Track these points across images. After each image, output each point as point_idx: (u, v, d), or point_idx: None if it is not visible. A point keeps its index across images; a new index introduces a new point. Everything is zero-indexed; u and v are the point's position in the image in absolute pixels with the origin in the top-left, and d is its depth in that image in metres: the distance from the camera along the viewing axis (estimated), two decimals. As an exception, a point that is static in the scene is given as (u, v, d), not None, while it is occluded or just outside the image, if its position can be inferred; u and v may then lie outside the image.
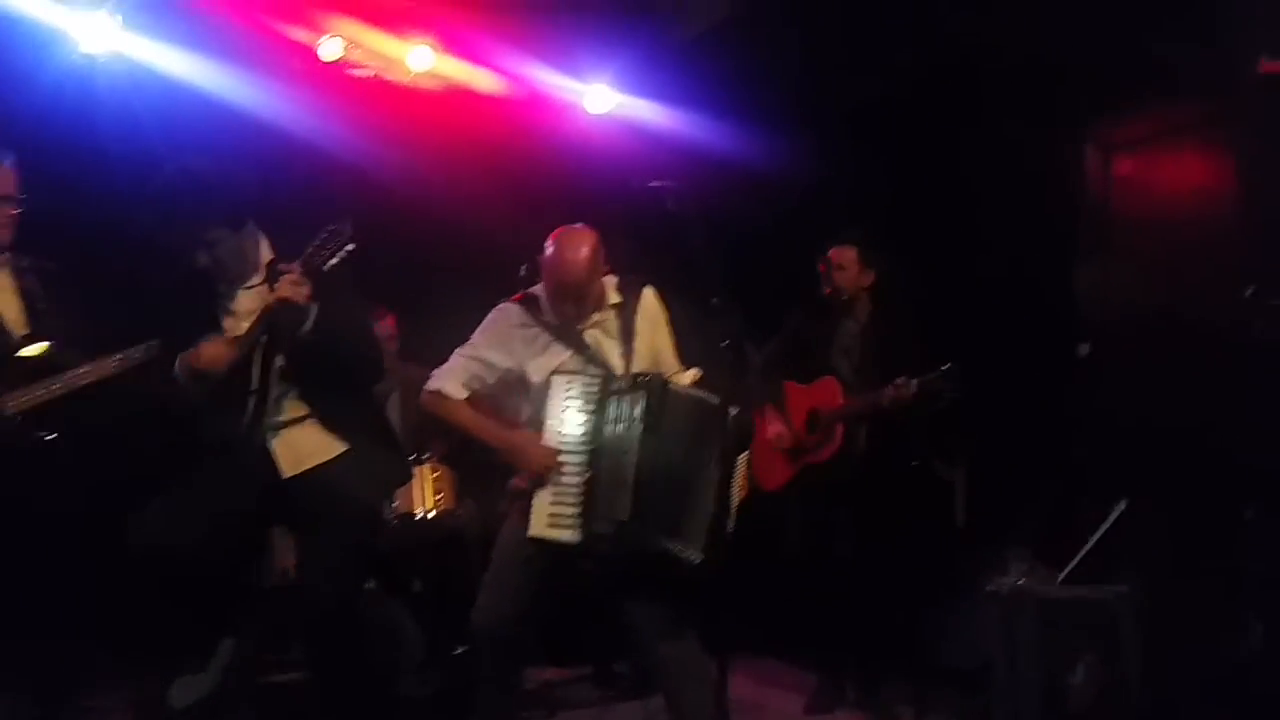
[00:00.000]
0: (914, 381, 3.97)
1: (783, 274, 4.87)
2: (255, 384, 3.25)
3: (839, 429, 4.23)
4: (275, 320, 3.19)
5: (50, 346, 3.40)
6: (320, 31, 4.83)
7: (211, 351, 3.23)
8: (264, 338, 3.24)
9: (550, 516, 3.22)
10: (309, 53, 4.86)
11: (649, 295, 3.53)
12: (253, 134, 4.60)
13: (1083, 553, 3.58)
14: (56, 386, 3.35)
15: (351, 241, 3.11)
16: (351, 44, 4.90)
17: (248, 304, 3.31)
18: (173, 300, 3.37)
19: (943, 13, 4.46)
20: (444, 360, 3.45)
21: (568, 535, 3.21)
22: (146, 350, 3.35)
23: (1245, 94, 3.91)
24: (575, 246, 3.34)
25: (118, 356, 3.36)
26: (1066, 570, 3.60)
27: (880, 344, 4.28)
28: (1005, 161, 4.51)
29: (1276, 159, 3.86)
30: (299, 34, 4.82)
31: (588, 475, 3.23)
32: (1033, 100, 4.39)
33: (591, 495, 3.22)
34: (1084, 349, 4.32)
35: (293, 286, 3.11)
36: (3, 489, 3.29)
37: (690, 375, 3.52)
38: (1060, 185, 4.49)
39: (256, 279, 3.32)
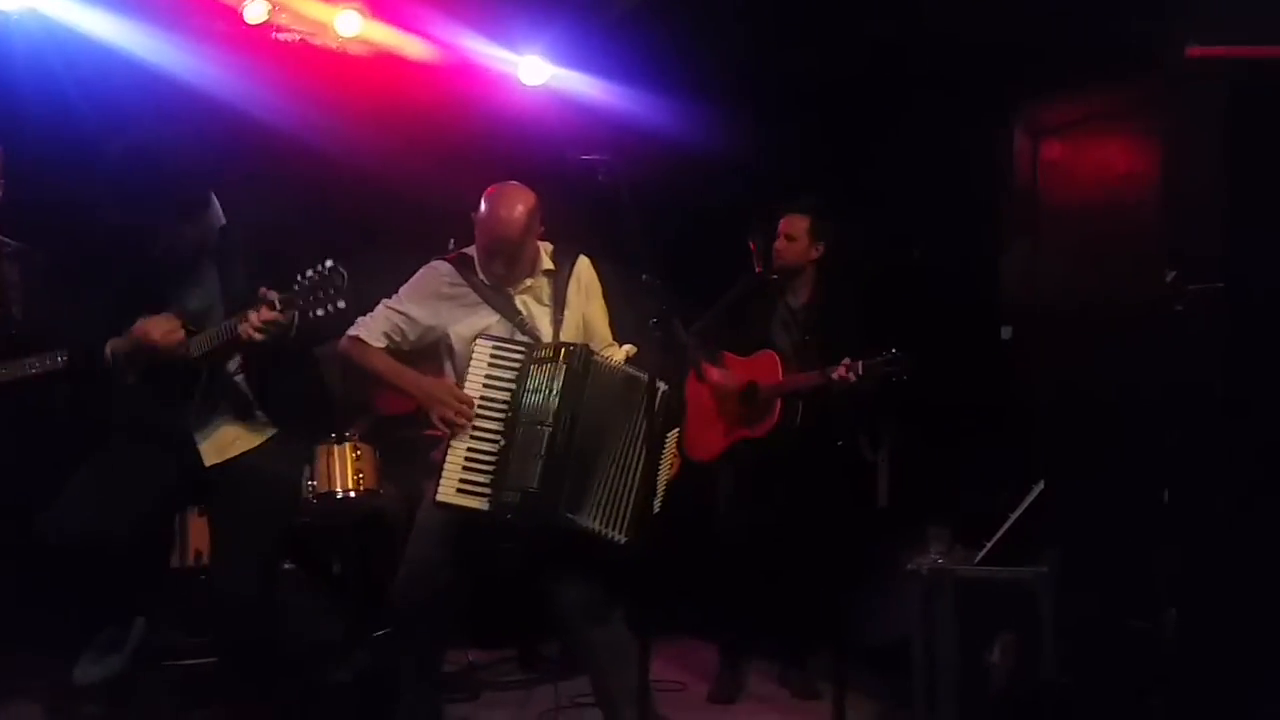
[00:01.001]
0: (860, 363, 3.96)
1: (713, 249, 4.85)
2: (201, 387, 3.15)
3: (778, 404, 4.19)
4: (238, 347, 3.07)
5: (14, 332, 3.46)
6: (245, -7, 4.71)
7: (164, 330, 3.05)
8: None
9: (461, 483, 3.16)
10: (234, 14, 4.72)
11: (585, 265, 3.48)
12: (175, 96, 4.47)
13: (1000, 533, 3.62)
14: (2, 372, 3.43)
15: (344, 299, 2.94)
16: (277, 7, 4.77)
17: (195, 270, 3.18)
18: (112, 283, 3.23)
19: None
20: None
21: (476, 502, 3.16)
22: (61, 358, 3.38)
23: (1172, 79, 3.94)
24: (510, 204, 3.27)
25: (38, 359, 3.41)
26: (985, 550, 3.63)
27: (823, 322, 4.25)
28: (933, 143, 4.52)
29: (1200, 145, 3.90)
30: (222, -5, 4.69)
31: (501, 443, 3.18)
32: (961, 83, 4.40)
33: (504, 464, 3.17)
34: (1006, 332, 4.36)
35: (263, 327, 2.94)
36: None
37: (624, 351, 3.48)
38: (987, 169, 4.52)
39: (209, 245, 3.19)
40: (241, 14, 4.71)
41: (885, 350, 3.92)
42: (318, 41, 4.90)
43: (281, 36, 4.85)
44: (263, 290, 2.96)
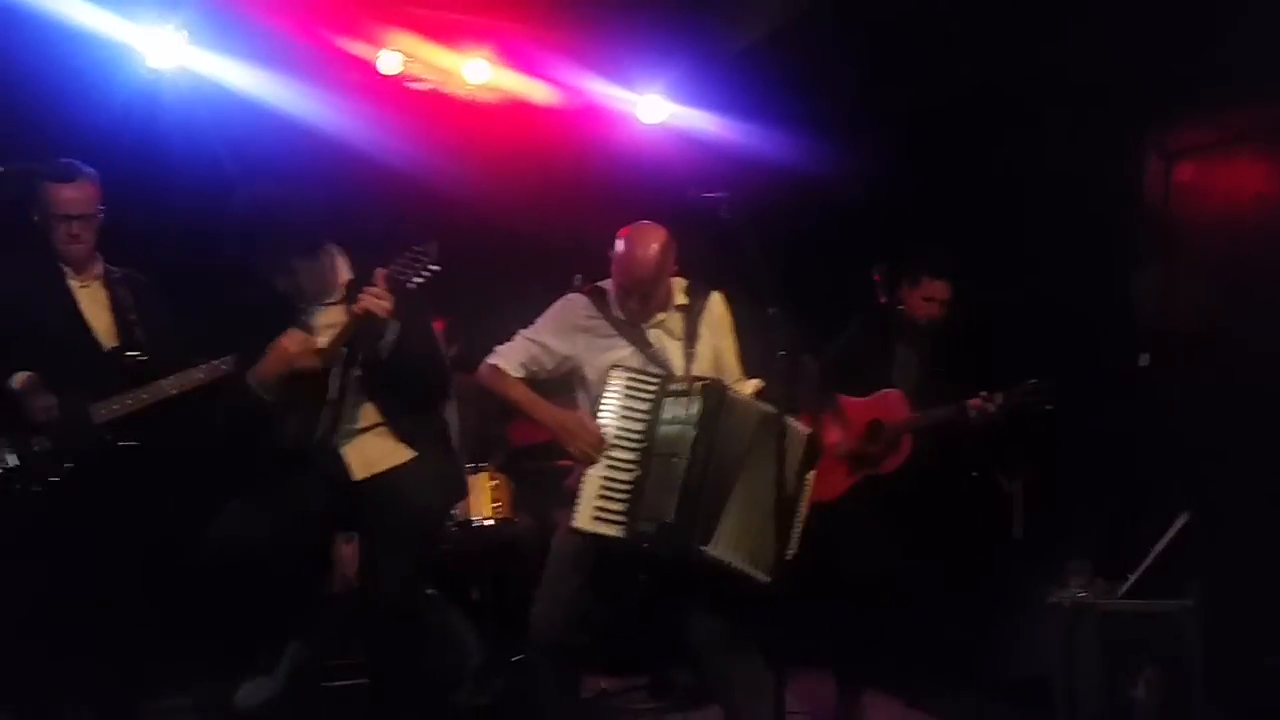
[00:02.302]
0: (1000, 395, 3.91)
1: (837, 283, 4.85)
2: (334, 394, 3.29)
3: (907, 441, 4.15)
4: (358, 333, 3.24)
5: (141, 358, 3.55)
6: (379, 45, 4.90)
7: (294, 341, 3.23)
8: (344, 349, 3.29)
9: (596, 510, 3.23)
10: (368, 66, 4.93)
11: (716, 300, 3.53)
12: (312, 145, 4.67)
13: (1145, 565, 3.54)
14: (144, 396, 3.50)
15: (437, 264, 3.15)
16: (410, 58, 4.96)
17: (325, 320, 3.36)
18: (250, 317, 3.41)
19: (1001, 17, 4.43)
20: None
21: (612, 530, 3.22)
22: (224, 365, 3.47)
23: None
24: (645, 243, 3.36)
25: (201, 370, 3.51)
26: (1129, 583, 3.55)
27: (944, 365, 4.21)
28: (1065, 168, 4.47)
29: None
30: (358, 48, 4.89)
31: (637, 473, 3.23)
32: (1093, 106, 4.34)
33: (639, 493, 3.22)
34: (1144, 359, 4.26)
35: (376, 300, 3.16)
36: (86, 493, 3.42)
37: (752, 385, 3.51)
38: (1121, 192, 4.45)
39: (334, 297, 3.37)
40: (375, 65, 4.91)
41: (1025, 380, 3.86)
42: (448, 90, 5.08)
43: (413, 86, 5.05)
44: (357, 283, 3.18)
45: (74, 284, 3.61)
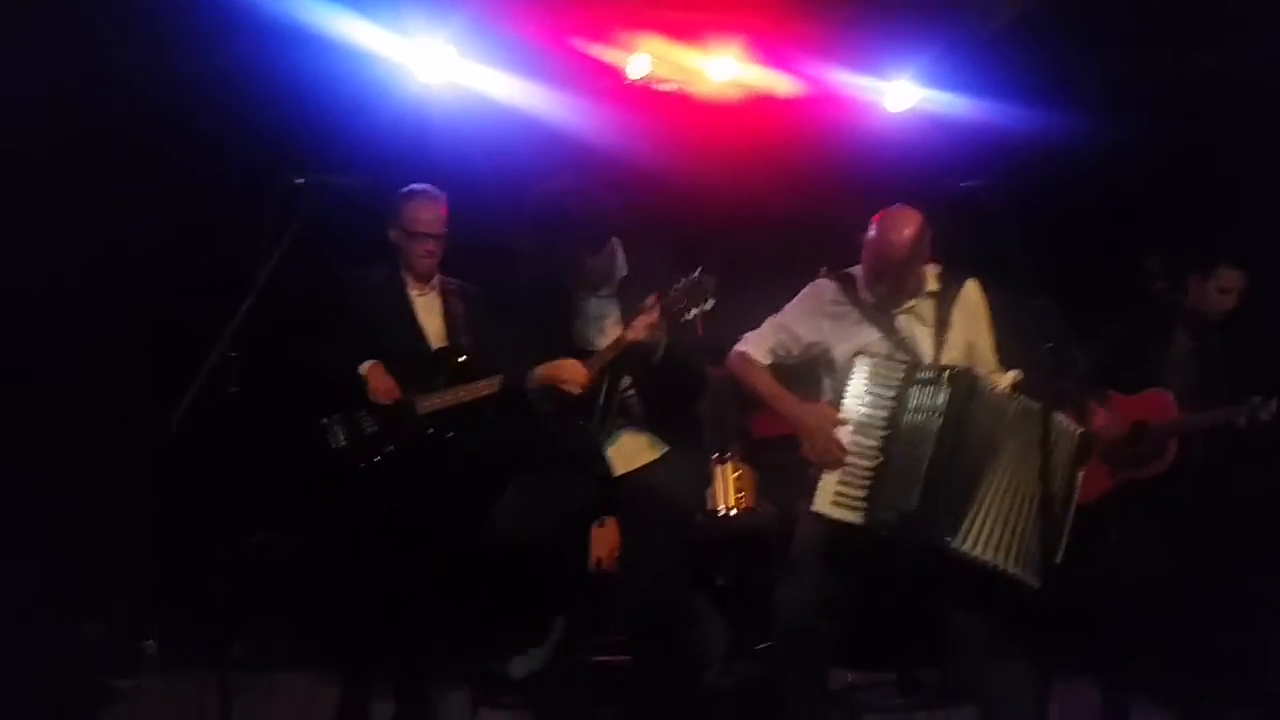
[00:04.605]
0: (1275, 402, 3.64)
1: (1108, 272, 4.56)
2: (602, 401, 3.44)
3: (1172, 445, 3.91)
4: (628, 354, 3.36)
5: (465, 358, 3.86)
6: (628, 50, 5.03)
7: (574, 371, 3.40)
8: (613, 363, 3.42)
9: (836, 495, 3.20)
10: (617, 72, 5.06)
11: (971, 287, 3.43)
12: (565, 149, 4.81)
13: None
14: (461, 394, 3.81)
15: (713, 298, 3.21)
16: (657, 59, 5.07)
17: (598, 310, 3.52)
18: (530, 312, 3.59)
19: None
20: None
21: (851, 516, 3.18)
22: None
23: None
24: (899, 227, 3.31)
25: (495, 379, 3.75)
26: None
27: (1225, 362, 3.95)
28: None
29: None
30: (609, 54, 5.04)
31: (879, 460, 3.18)
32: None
33: (880, 481, 3.17)
34: None
35: (649, 330, 3.26)
36: (401, 476, 3.75)
37: (1009, 377, 3.37)
38: None
39: (610, 289, 3.51)
40: (624, 71, 5.04)
41: None
42: (693, 89, 5.16)
43: (660, 87, 5.16)
44: (648, 299, 3.26)
45: (413, 293, 3.96)
